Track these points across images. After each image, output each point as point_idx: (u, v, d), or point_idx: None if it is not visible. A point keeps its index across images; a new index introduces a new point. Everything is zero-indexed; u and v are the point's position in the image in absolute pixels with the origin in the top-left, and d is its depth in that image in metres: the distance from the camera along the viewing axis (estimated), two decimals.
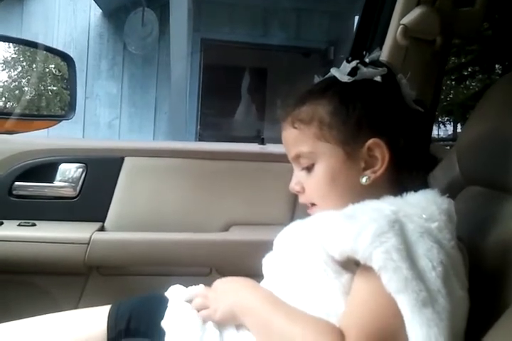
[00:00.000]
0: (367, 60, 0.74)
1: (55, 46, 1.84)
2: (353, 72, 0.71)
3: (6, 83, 1.77)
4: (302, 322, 0.60)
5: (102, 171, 1.28)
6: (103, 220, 1.25)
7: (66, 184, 1.26)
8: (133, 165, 1.28)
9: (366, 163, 0.69)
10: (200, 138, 4.96)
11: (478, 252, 0.69)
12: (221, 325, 0.69)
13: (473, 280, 0.62)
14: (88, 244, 1.16)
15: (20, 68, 1.86)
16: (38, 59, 1.70)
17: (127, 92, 4.88)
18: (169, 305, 0.76)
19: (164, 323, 0.72)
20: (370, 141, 0.68)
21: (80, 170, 1.26)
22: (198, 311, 0.72)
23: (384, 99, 0.70)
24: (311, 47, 5.19)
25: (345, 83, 0.70)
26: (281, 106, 0.76)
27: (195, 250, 1.21)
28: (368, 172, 0.69)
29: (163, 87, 4.71)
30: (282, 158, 0.80)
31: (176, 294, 0.79)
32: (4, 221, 1.20)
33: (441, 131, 7.17)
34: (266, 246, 0.76)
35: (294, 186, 0.75)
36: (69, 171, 1.26)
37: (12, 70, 1.84)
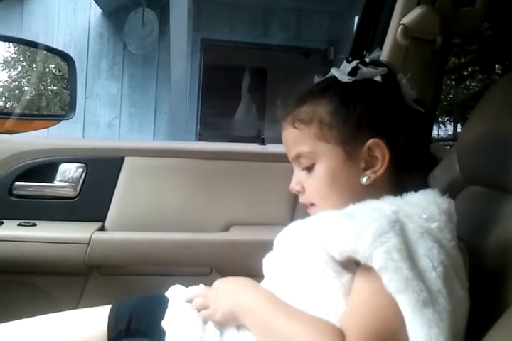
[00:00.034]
0: (367, 60, 0.74)
1: (55, 46, 1.84)
2: (353, 72, 0.71)
3: (6, 83, 1.78)
4: (302, 322, 0.60)
5: (102, 171, 1.28)
6: (103, 220, 1.25)
7: (66, 184, 1.26)
8: (133, 165, 1.28)
9: (366, 163, 0.69)
10: (201, 138, 4.96)
11: (479, 252, 0.69)
12: (221, 325, 0.69)
13: (473, 280, 0.62)
14: (88, 243, 1.16)
15: (20, 68, 1.86)
16: (38, 59, 1.70)
17: (127, 92, 4.88)
18: (169, 305, 0.76)
19: (164, 323, 0.72)
20: (371, 141, 0.68)
21: (80, 170, 1.26)
22: (199, 311, 0.72)
23: (384, 99, 0.70)
24: (311, 47, 5.19)
25: (346, 83, 0.70)
26: (281, 106, 0.76)
27: (196, 250, 1.21)
28: (368, 172, 0.69)
29: (163, 86, 4.71)
30: (282, 158, 0.80)
31: (176, 294, 0.79)
32: (4, 221, 1.20)
33: (442, 131, 7.17)
34: (266, 246, 0.76)
35: (294, 186, 0.75)
36: (69, 171, 1.26)
37: (12, 70, 1.84)
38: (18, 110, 1.50)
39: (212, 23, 4.88)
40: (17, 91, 1.80)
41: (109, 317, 0.79)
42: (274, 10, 4.95)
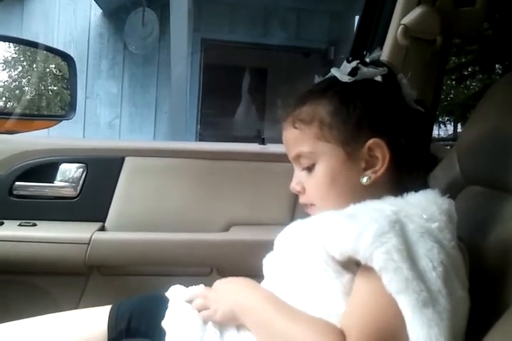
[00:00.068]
0: (367, 60, 0.74)
1: (55, 46, 1.84)
2: (353, 72, 0.71)
3: (6, 83, 1.78)
4: (303, 322, 0.60)
5: (103, 171, 1.28)
6: (103, 220, 1.25)
7: (66, 184, 1.26)
8: (133, 165, 1.28)
9: (367, 163, 0.69)
10: (201, 138, 4.96)
11: (479, 252, 0.69)
12: (222, 325, 0.69)
13: (473, 280, 0.62)
14: (88, 244, 1.16)
15: (20, 68, 1.86)
16: (38, 59, 1.71)
17: (127, 92, 4.88)
18: (170, 305, 0.76)
19: (165, 323, 0.72)
20: (371, 141, 0.68)
21: (81, 170, 1.26)
22: (199, 311, 0.72)
23: (384, 99, 0.70)
24: (311, 47, 5.19)
25: (346, 83, 0.70)
26: (281, 106, 0.76)
27: (196, 250, 1.21)
28: (369, 172, 0.69)
29: (163, 86, 4.71)
30: (283, 158, 0.80)
31: (176, 294, 0.79)
32: (5, 221, 1.20)
33: (442, 130, 7.16)
34: (266, 246, 0.76)
35: (294, 186, 0.75)
36: (69, 171, 1.26)
37: (12, 70, 1.84)
38: (18, 110, 1.50)
39: (212, 23, 4.88)
40: (17, 92, 1.81)
41: (109, 317, 0.79)
42: (274, 10, 4.95)
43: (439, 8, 1.19)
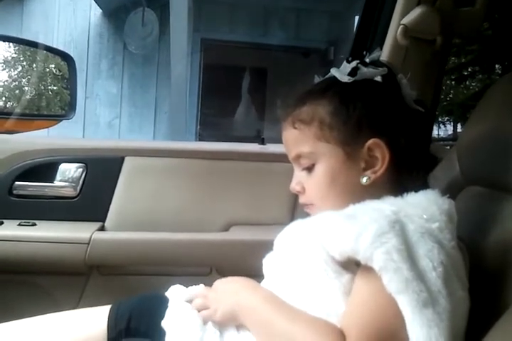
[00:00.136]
0: (367, 60, 0.74)
1: (55, 46, 1.84)
2: (353, 72, 0.71)
3: (6, 83, 1.78)
4: (303, 322, 0.60)
5: (102, 171, 1.28)
6: (103, 220, 1.25)
7: (66, 184, 1.26)
8: (133, 165, 1.28)
9: (366, 163, 0.69)
10: (200, 138, 4.96)
11: (479, 252, 0.69)
12: (221, 325, 0.69)
13: (473, 280, 0.62)
14: (88, 243, 1.16)
15: (20, 68, 1.86)
16: (38, 58, 1.71)
17: (127, 92, 4.88)
18: (169, 305, 0.76)
19: (164, 323, 0.72)
20: (371, 141, 0.68)
21: (80, 169, 1.26)
22: (199, 311, 0.72)
23: (384, 99, 0.70)
24: (311, 47, 5.19)
25: (346, 83, 0.70)
26: (281, 106, 0.76)
27: (196, 250, 1.21)
28: (368, 172, 0.69)
29: (163, 86, 4.71)
30: (282, 158, 0.80)
31: (176, 294, 0.79)
32: (4, 220, 1.20)
33: (441, 131, 7.17)
34: (266, 246, 0.76)
35: (294, 186, 0.75)
36: (69, 171, 1.26)
37: (12, 70, 1.84)
38: (18, 110, 1.50)
39: (212, 23, 4.88)
40: (17, 91, 1.81)
41: (109, 316, 0.79)
42: (274, 10, 4.95)
43: (439, 8, 1.19)
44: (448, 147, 1.42)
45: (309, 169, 0.72)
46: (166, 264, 1.23)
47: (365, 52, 0.76)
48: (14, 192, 1.24)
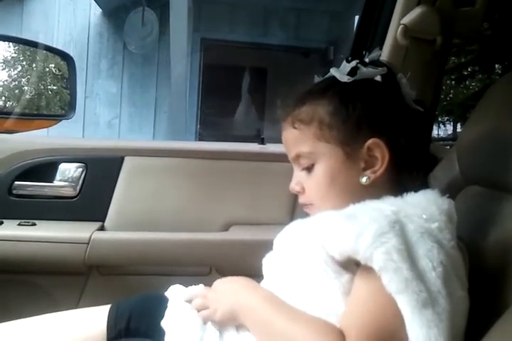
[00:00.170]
0: (367, 60, 0.74)
1: (55, 45, 1.84)
2: (352, 72, 0.71)
3: (5, 82, 1.78)
4: (302, 322, 0.60)
5: (102, 171, 1.28)
6: (103, 220, 1.25)
7: (66, 183, 1.26)
8: (133, 165, 1.28)
9: (366, 163, 0.69)
10: (200, 137, 4.96)
11: (478, 252, 0.69)
12: (221, 325, 0.69)
13: (473, 280, 0.62)
14: (88, 243, 1.16)
15: (20, 67, 1.86)
16: (37, 58, 1.70)
17: (127, 92, 4.88)
18: (169, 304, 0.76)
19: (164, 323, 0.72)
20: (370, 141, 0.68)
21: (80, 169, 1.26)
22: (198, 311, 0.72)
23: (384, 99, 0.70)
24: (311, 47, 5.19)
25: (345, 83, 0.70)
26: (281, 106, 0.76)
27: (195, 250, 1.21)
28: (368, 172, 0.69)
29: (163, 86, 4.71)
30: (282, 158, 0.80)
31: (175, 294, 0.79)
32: (4, 220, 1.20)
33: (441, 130, 7.17)
34: (266, 246, 0.76)
35: (294, 186, 0.75)
36: (69, 171, 1.26)
37: (12, 69, 1.84)
38: (18, 110, 1.50)
39: (212, 23, 4.88)
40: (17, 91, 1.81)
41: (108, 316, 0.79)
42: (274, 10, 4.95)
43: (439, 8, 1.19)
44: (448, 147, 1.42)
45: (309, 169, 0.72)
46: (166, 264, 1.23)
47: (364, 52, 0.77)
48: (14, 191, 1.24)
